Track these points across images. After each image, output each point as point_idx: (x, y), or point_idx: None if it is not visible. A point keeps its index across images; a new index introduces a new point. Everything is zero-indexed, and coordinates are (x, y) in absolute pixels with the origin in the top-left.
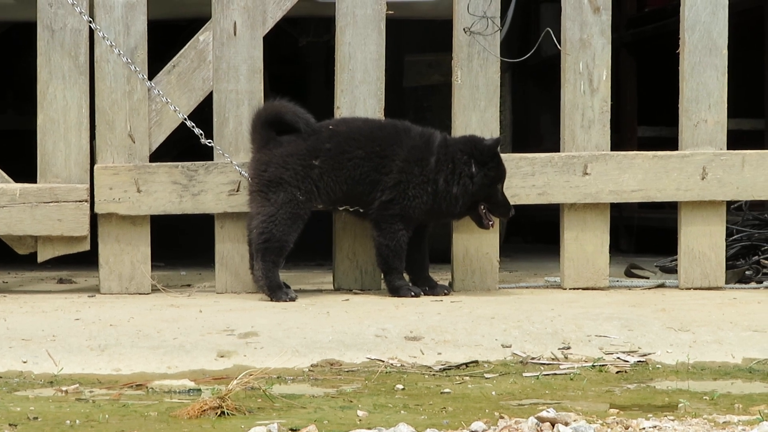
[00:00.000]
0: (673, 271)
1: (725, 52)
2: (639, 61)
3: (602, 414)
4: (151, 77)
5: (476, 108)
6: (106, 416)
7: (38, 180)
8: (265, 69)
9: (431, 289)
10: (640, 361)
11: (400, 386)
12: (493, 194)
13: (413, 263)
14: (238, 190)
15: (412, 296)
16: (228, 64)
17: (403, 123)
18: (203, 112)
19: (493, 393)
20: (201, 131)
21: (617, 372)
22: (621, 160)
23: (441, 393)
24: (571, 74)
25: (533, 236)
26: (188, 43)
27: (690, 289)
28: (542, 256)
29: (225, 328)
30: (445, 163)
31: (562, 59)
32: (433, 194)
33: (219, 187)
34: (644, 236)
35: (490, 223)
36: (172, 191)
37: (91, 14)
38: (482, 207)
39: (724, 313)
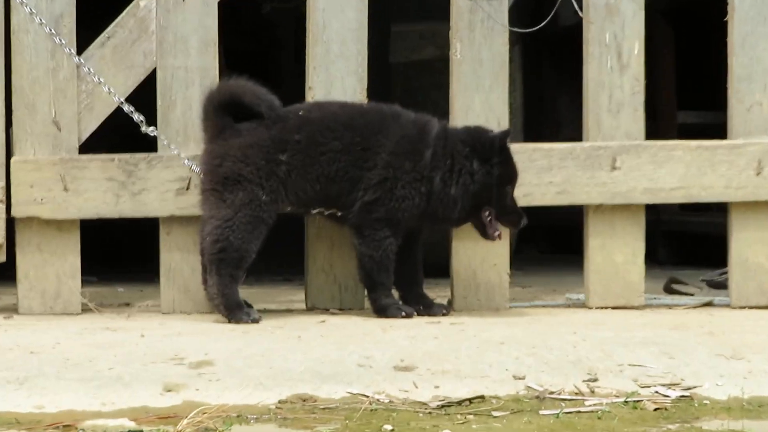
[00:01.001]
0: (722, 286)
1: None
2: (678, 32)
3: None
4: (80, 51)
5: (480, 88)
6: None
7: None
8: (220, 42)
9: (426, 308)
10: (683, 396)
11: (389, 427)
12: (501, 198)
13: (404, 277)
14: (188, 189)
15: (403, 317)
16: (175, 36)
17: (390, 107)
18: (145, 94)
19: None
20: (142, 117)
21: (655, 409)
22: (657, 151)
23: None
24: (595, 47)
25: (550, 245)
26: (126, 10)
27: (744, 308)
28: (561, 269)
29: (173, 356)
30: (443, 158)
31: (585, 29)
32: (428, 195)
33: (165, 184)
34: (686, 244)
35: (497, 233)
36: (107, 190)
37: None
38: (487, 213)
39: None
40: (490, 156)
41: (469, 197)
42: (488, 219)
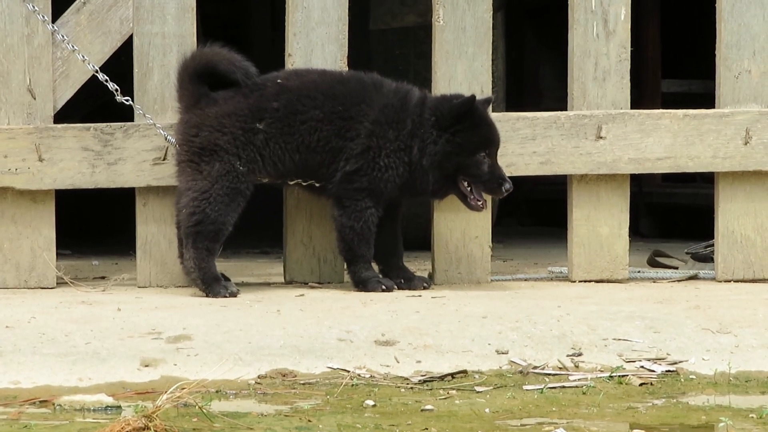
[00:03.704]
0: (707, 259)
1: None
2: None
3: None
4: (55, 17)
5: (463, 55)
6: None
7: None
8: (198, 8)
9: (407, 281)
10: (669, 371)
11: (370, 402)
12: (471, 165)
13: (384, 250)
14: (165, 159)
15: (383, 290)
16: (152, 1)
17: (371, 76)
18: (121, 62)
19: (487, 410)
20: (116, 86)
21: (641, 384)
22: (644, 120)
23: (421, 411)
24: (581, 13)
25: (531, 217)
26: None
27: (730, 281)
28: (543, 242)
29: (150, 331)
30: (419, 127)
31: None
32: (409, 165)
33: (141, 154)
34: (670, 217)
35: (480, 202)
36: (83, 160)
37: None
38: (465, 182)
39: None
40: (450, 124)
41: (436, 168)
42: (468, 189)
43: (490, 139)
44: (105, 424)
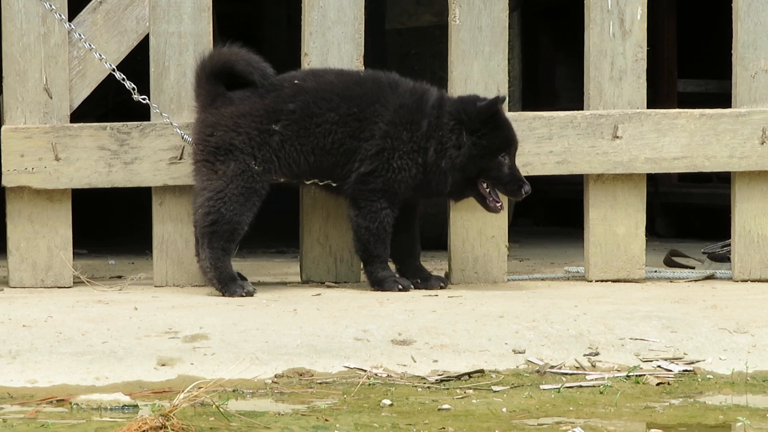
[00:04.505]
0: (724, 258)
1: None
2: None
3: None
4: (72, 16)
5: (479, 55)
6: None
7: None
8: (214, 7)
9: (423, 281)
10: (686, 371)
11: (387, 401)
12: (493, 168)
13: (401, 249)
14: (181, 158)
15: (400, 290)
16: (168, 1)
17: (388, 76)
18: (137, 61)
19: (504, 410)
20: (133, 85)
21: (658, 384)
22: (660, 120)
23: (438, 410)
24: (597, 12)
25: (548, 217)
26: None
27: (747, 281)
28: (560, 242)
29: (167, 330)
30: (437, 129)
31: None
32: (424, 166)
33: (157, 153)
34: (686, 216)
35: (498, 204)
36: (99, 159)
37: None
38: (484, 184)
39: None
40: (476, 127)
41: (458, 170)
42: (487, 190)
43: (510, 140)
44: (122, 423)
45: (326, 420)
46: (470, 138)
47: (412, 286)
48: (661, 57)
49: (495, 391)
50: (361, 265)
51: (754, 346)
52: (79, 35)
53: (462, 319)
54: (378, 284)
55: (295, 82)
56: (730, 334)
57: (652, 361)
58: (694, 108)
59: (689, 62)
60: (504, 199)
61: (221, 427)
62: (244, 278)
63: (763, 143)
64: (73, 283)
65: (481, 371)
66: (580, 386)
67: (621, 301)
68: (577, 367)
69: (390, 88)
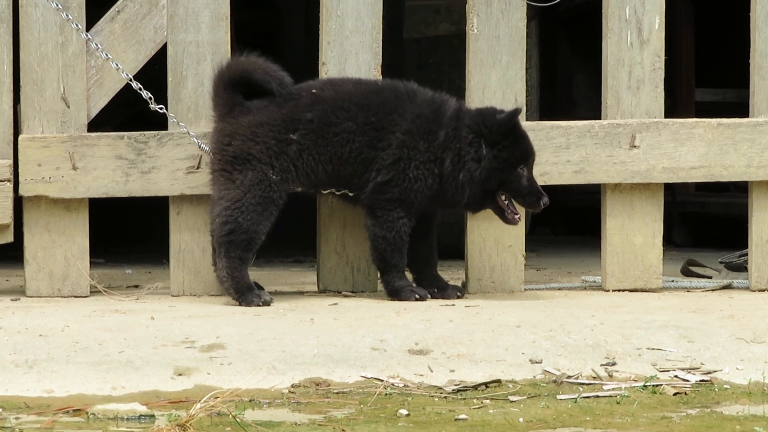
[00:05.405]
0: (741, 268)
1: None
2: (697, 6)
3: None
4: (90, 26)
5: (497, 64)
6: None
7: None
8: (231, 16)
9: (440, 290)
10: (703, 380)
11: (404, 411)
12: (513, 180)
13: (418, 259)
14: (198, 167)
15: (417, 299)
16: (186, 10)
17: (406, 85)
18: (155, 70)
19: (521, 420)
20: (150, 94)
21: (675, 394)
22: (678, 129)
23: (455, 420)
24: (615, 22)
25: (565, 226)
26: None
27: (764, 290)
28: (577, 251)
29: (183, 340)
30: (455, 141)
31: (604, 3)
32: (440, 177)
33: (175, 163)
34: (703, 226)
35: (516, 216)
36: (117, 168)
37: None
38: (503, 196)
39: None
40: (497, 140)
41: (476, 184)
42: (505, 202)
43: (529, 152)
44: None
45: (343, 430)
46: (491, 151)
47: (429, 296)
48: (678, 66)
49: (512, 401)
50: (378, 275)
51: None
52: (97, 45)
53: (479, 328)
54: (395, 294)
55: (313, 91)
56: (747, 344)
57: (669, 371)
58: (712, 117)
59: (707, 71)
60: (521, 210)
61: None
62: (261, 287)
63: None
64: (90, 292)
65: (498, 381)
66: (597, 396)
67: (638, 311)
68: (594, 377)
69: (408, 97)
